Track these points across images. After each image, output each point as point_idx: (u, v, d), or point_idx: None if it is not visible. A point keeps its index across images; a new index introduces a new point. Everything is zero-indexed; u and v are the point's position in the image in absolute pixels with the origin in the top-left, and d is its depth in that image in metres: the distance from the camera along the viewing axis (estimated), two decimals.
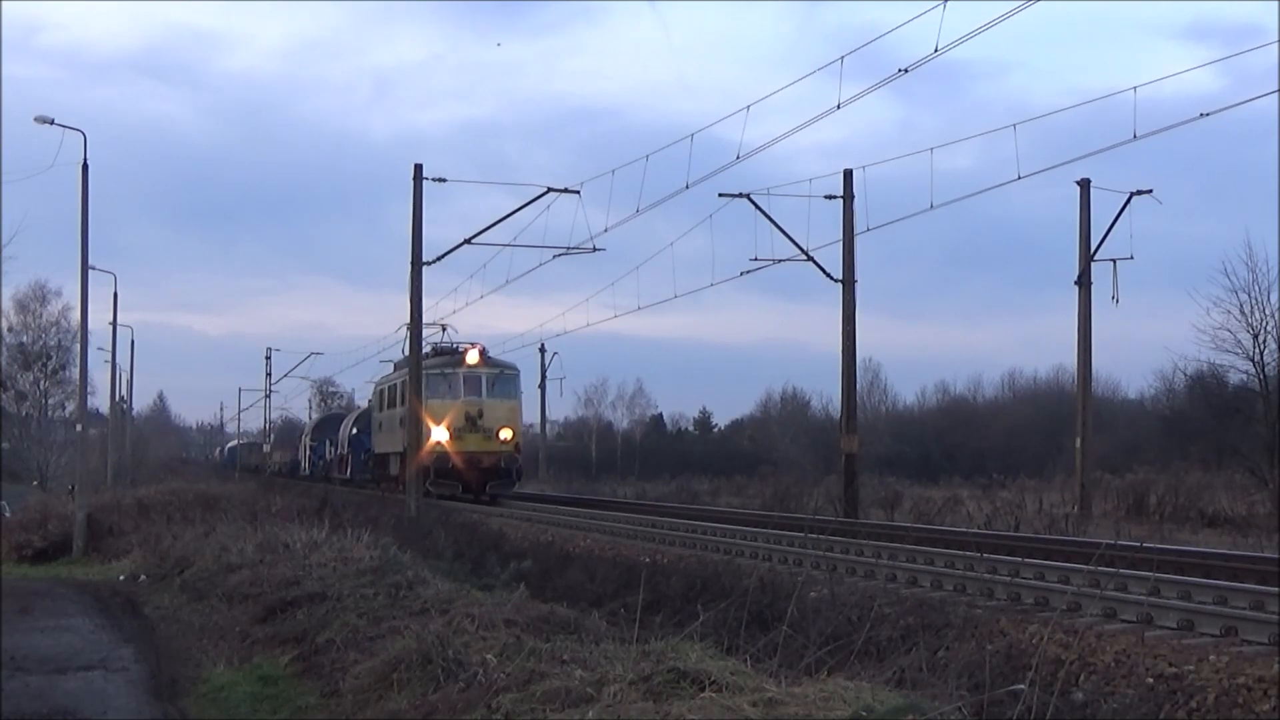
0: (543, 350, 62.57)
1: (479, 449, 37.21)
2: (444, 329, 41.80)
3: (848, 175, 30.21)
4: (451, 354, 39.45)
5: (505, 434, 37.77)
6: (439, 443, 36.42)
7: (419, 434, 33.26)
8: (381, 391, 45.67)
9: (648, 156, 26.09)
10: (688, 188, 25.50)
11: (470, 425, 37.16)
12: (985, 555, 14.72)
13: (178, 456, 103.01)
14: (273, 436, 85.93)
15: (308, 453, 71.50)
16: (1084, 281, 31.57)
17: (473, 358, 38.01)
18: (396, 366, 43.79)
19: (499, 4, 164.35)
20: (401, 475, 37.31)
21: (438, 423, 36.46)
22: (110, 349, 48.39)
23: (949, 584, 13.25)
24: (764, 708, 6.15)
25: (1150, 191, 30.98)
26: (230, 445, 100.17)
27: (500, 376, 38.64)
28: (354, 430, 56.07)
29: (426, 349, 37.50)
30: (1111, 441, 51.63)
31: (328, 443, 65.56)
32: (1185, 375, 47.40)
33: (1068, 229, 32.80)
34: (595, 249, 29.45)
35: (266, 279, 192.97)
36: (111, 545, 25.56)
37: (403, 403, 37.47)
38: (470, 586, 12.80)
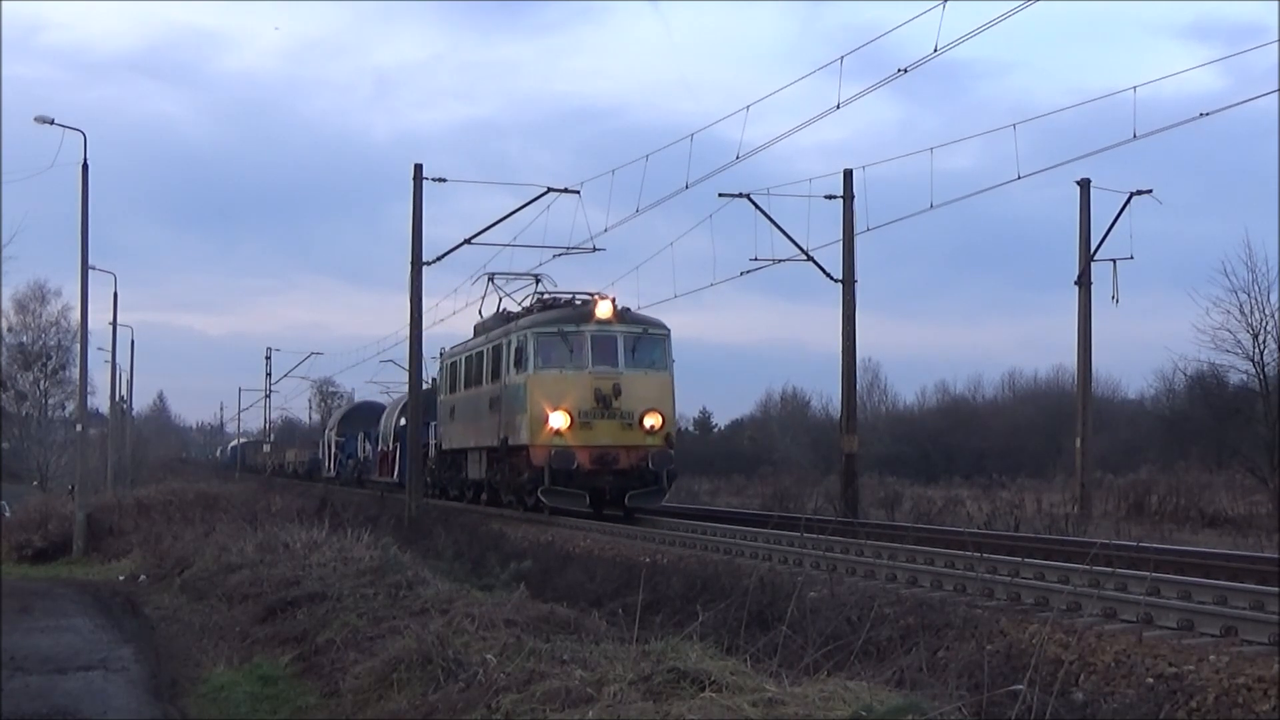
0: None
1: (615, 442, 25.64)
2: (537, 280, 30.95)
3: (848, 175, 30.20)
4: (568, 306, 27.99)
5: (653, 421, 25.81)
6: (556, 430, 25.42)
7: (417, 430, 31.96)
8: (456, 364, 33.16)
9: (648, 156, 25.94)
10: (687, 187, 25.41)
11: (602, 408, 25.64)
12: (985, 555, 14.71)
13: (178, 456, 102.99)
14: (273, 436, 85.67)
15: (332, 450, 61.87)
16: (1084, 281, 31.58)
17: (604, 310, 26.02)
18: (478, 330, 32.09)
19: (500, 4, 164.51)
20: (506, 480, 27.77)
21: (554, 406, 25.52)
22: (110, 349, 48.41)
23: (949, 584, 13.25)
24: (764, 708, 6.16)
25: (1150, 191, 30.97)
26: (233, 444, 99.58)
27: (645, 338, 26.44)
28: (402, 421, 43.98)
29: (514, 309, 30.18)
30: (1111, 441, 51.62)
31: (361, 438, 55.50)
32: (1185, 375, 47.40)
33: (1068, 229, 32.83)
34: (595, 249, 29.31)
35: (267, 279, 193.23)
36: (111, 545, 25.58)
37: (497, 376, 27.78)
38: (470, 586, 12.80)
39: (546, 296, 29.24)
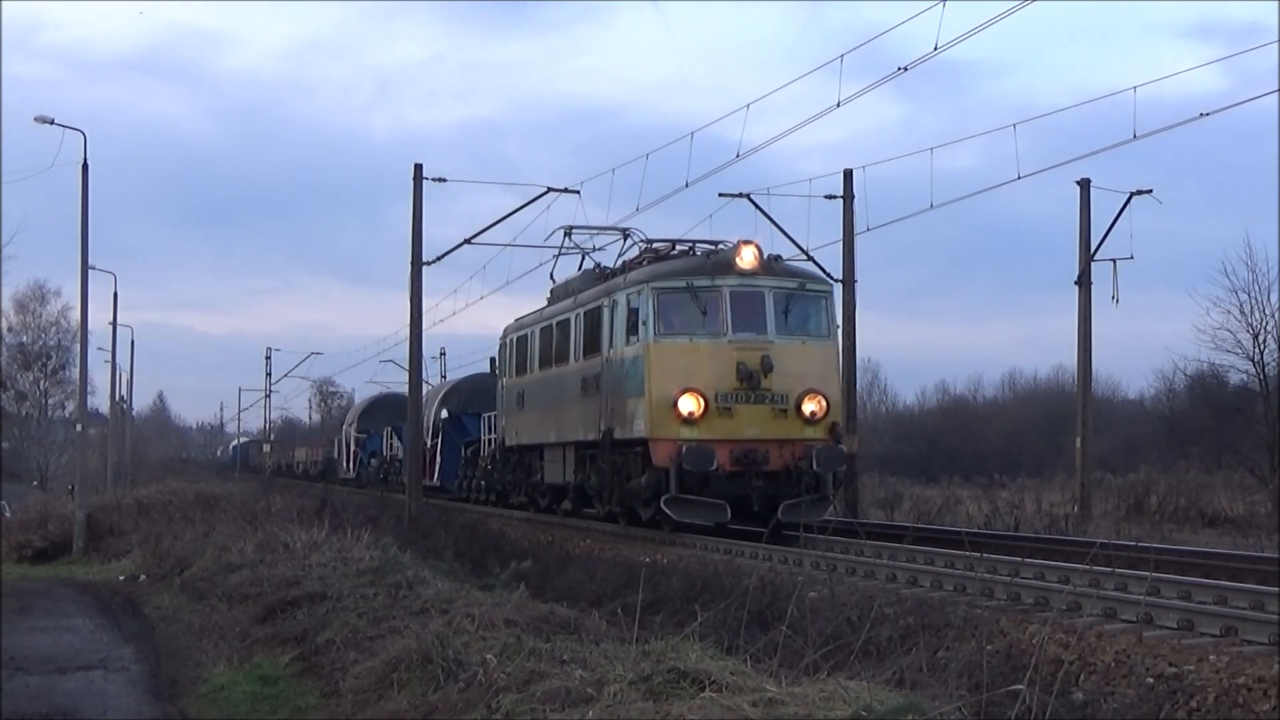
0: None
1: (764, 434, 19.46)
2: (625, 235, 25.42)
3: (848, 175, 30.15)
4: (693, 254, 22.04)
5: (814, 406, 19.59)
6: (687, 419, 19.16)
7: (417, 430, 31.43)
8: (527, 340, 26.73)
9: (648, 156, 25.80)
10: (687, 186, 25.33)
11: (748, 388, 19.38)
12: (985, 555, 14.72)
13: (178, 456, 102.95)
14: (273, 436, 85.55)
15: (350, 448, 55.40)
16: (1084, 281, 31.56)
17: (748, 257, 19.98)
18: (556, 296, 26.07)
19: (501, 3, 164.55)
20: (607, 485, 21.56)
21: (683, 386, 19.30)
22: (110, 349, 48.35)
23: (949, 584, 13.25)
24: (764, 708, 6.16)
25: (1150, 191, 30.94)
26: (234, 444, 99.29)
27: (801, 296, 20.34)
28: (444, 412, 39.01)
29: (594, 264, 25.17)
30: (1111, 441, 51.61)
31: (388, 434, 48.96)
32: (1185, 375, 47.38)
33: (1068, 229, 32.80)
34: (595, 249, 29.16)
35: (267, 279, 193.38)
36: (111, 545, 25.57)
37: (595, 349, 21.86)
38: (470, 586, 12.81)
39: (657, 244, 22.80)
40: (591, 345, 22.23)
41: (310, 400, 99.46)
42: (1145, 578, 11.75)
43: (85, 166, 27.55)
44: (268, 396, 79.71)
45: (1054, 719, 6.22)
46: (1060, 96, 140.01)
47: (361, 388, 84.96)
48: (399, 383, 52.54)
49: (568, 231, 26.23)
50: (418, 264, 29.13)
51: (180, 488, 33.19)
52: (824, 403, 19.73)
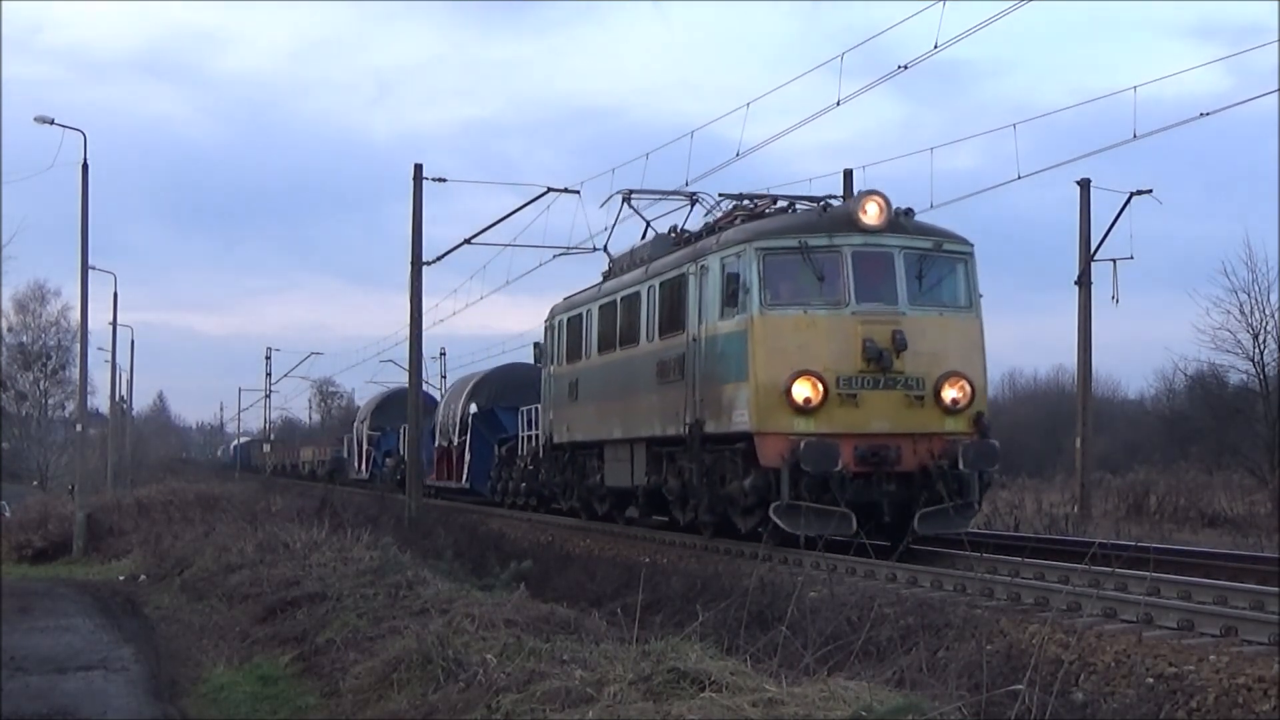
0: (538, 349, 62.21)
1: (896, 427, 16.18)
2: (693, 201, 22.20)
3: (848, 175, 30.08)
4: (797, 208, 18.75)
5: (956, 392, 16.40)
6: (802, 408, 15.85)
7: (417, 430, 31.00)
8: (581, 321, 23.22)
9: (648, 155, 25.84)
10: (687, 184, 25.24)
11: (876, 371, 16.12)
12: (985, 555, 14.70)
13: (178, 456, 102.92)
14: (272, 435, 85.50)
15: (363, 446, 51.97)
16: (1084, 281, 31.55)
17: (873, 212, 16.56)
18: (620, 268, 22.53)
19: (502, 3, 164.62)
20: (693, 490, 17.96)
21: (797, 368, 15.92)
22: (110, 349, 48.41)
23: (949, 584, 13.24)
24: (764, 708, 6.16)
25: (1150, 191, 30.92)
26: (235, 444, 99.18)
27: (938, 259, 16.98)
28: (473, 407, 34.77)
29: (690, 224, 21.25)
30: (1111, 441, 51.60)
31: (406, 431, 46.77)
32: (1185, 375, 47.37)
33: (1068, 229, 32.79)
34: (595, 249, 29.12)
35: (267, 279, 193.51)
36: (111, 545, 25.59)
37: (676, 326, 18.51)
38: (470, 586, 12.81)
39: (751, 200, 19.37)
40: (671, 322, 18.73)
41: (310, 400, 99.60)
42: (1145, 578, 11.75)
43: (85, 166, 27.61)
44: (268, 396, 79.73)
45: (1054, 719, 6.22)
46: (1060, 96, 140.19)
47: (361, 387, 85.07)
48: (399, 383, 51.59)
49: (626, 197, 22.94)
50: (418, 264, 29.12)
51: (180, 488, 33.21)
52: (967, 388, 16.41)
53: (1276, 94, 14.67)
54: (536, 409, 28.16)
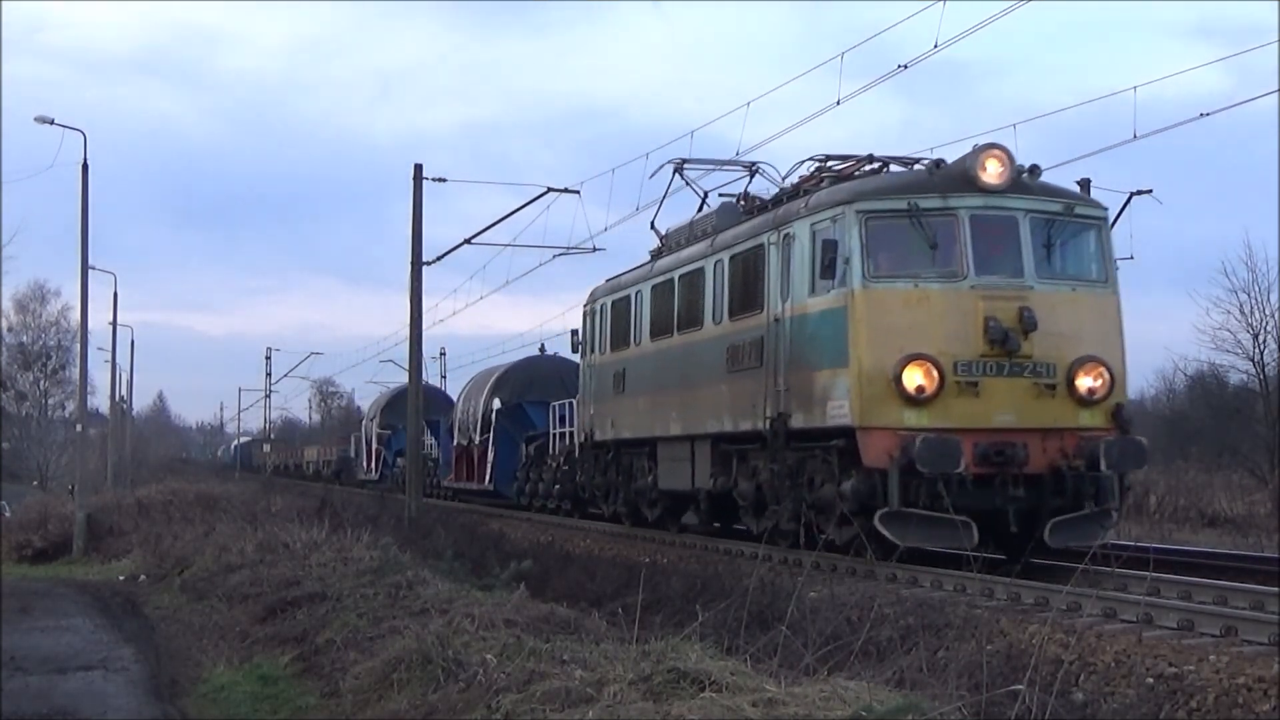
0: (542, 350, 62.41)
1: (1023, 422, 14.12)
2: (752, 171, 20.04)
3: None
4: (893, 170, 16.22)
5: (1091, 381, 14.37)
6: (914, 398, 13.85)
7: (417, 430, 30.56)
8: (630, 303, 21.11)
9: (648, 155, 25.79)
10: (687, 185, 25.33)
11: (1000, 355, 14.01)
12: (986, 555, 14.68)
13: (178, 456, 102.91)
14: (272, 435, 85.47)
15: (372, 445, 49.53)
16: None
17: (994, 170, 14.40)
18: (669, 247, 20.45)
19: (502, 3, 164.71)
20: (775, 494, 15.78)
21: (907, 352, 13.93)
22: (110, 349, 48.39)
23: (949, 584, 13.23)
24: (764, 708, 6.16)
25: (1150, 191, 30.86)
26: (235, 444, 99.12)
27: (1068, 224, 14.90)
28: (496, 402, 32.13)
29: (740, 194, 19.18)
30: None
31: (421, 429, 43.05)
32: (1185, 375, 47.38)
33: None
34: (595, 249, 29.14)
35: (267, 279, 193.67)
36: (111, 545, 25.58)
37: (751, 306, 16.45)
38: (470, 586, 12.81)
39: (838, 161, 16.70)
40: (745, 301, 16.55)
41: (310, 400, 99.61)
42: (1145, 578, 11.74)
43: (85, 166, 27.62)
44: (268, 396, 79.71)
45: (1054, 719, 6.23)
46: (1060, 96, 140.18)
47: (361, 387, 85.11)
48: (400, 383, 51.05)
49: (679, 167, 20.85)
50: (418, 264, 29.11)
51: (180, 488, 33.19)
52: (1105, 376, 14.31)
53: (1276, 94, 14.57)
54: (569, 404, 26.53)
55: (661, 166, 21.15)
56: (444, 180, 29.13)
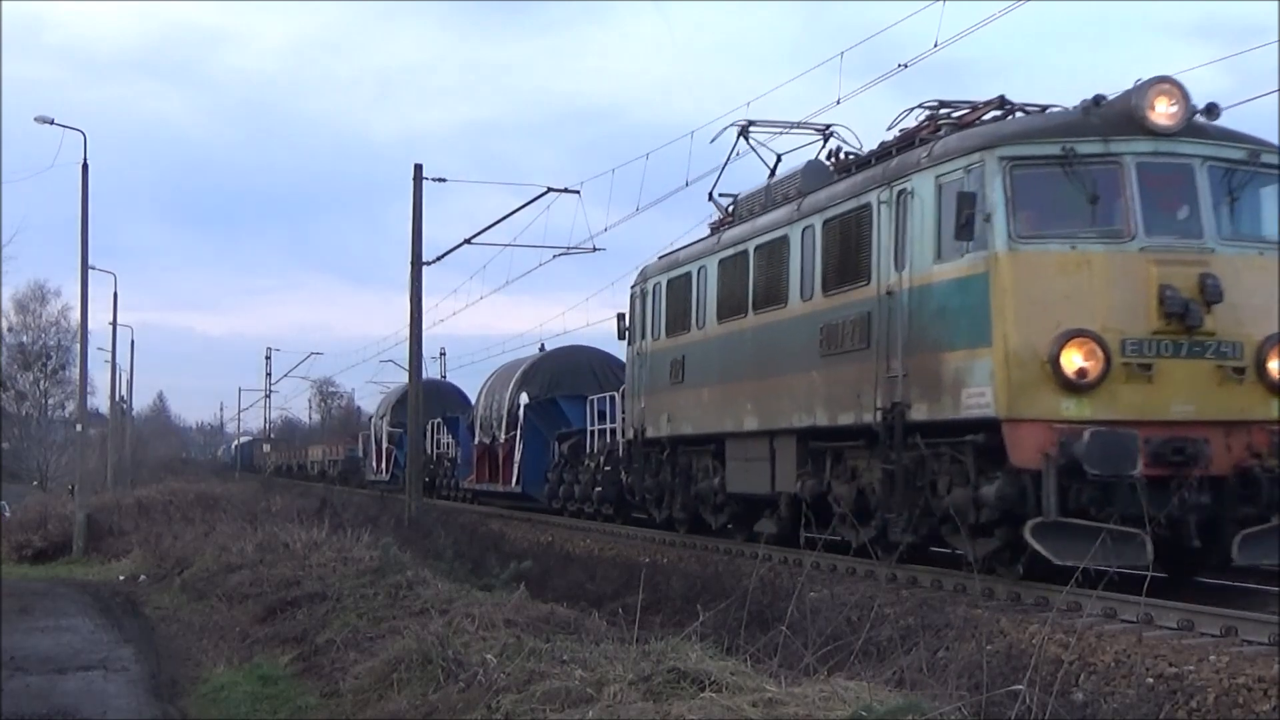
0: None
1: (1203, 413, 11.61)
2: (826, 135, 18.11)
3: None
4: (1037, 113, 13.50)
5: None
6: (1075, 383, 11.42)
7: (418, 429, 30.48)
8: (689, 282, 18.92)
9: (648, 155, 25.68)
10: (687, 185, 25.22)
11: (1180, 330, 11.50)
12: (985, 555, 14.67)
13: (178, 456, 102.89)
14: (272, 435, 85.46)
15: (382, 444, 47.61)
16: None
17: (1166, 108, 11.89)
18: (740, 216, 18.31)
19: (502, 4, 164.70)
20: (884, 502, 13.66)
21: (1062, 328, 11.52)
22: (110, 349, 48.40)
23: (949, 584, 13.23)
24: (764, 708, 6.16)
25: None
26: (235, 443, 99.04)
27: (1256, 174, 12.29)
28: (524, 396, 29.90)
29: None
30: None
31: (436, 427, 40.80)
32: None
33: None
34: (595, 249, 29.15)
35: (267, 278, 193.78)
36: (111, 545, 25.57)
37: (852, 277, 14.29)
38: (470, 586, 12.82)
39: (954, 107, 14.40)
40: (845, 271, 14.38)
41: (310, 400, 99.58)
42: (1145, 577, 11.73)
43: (85, 166, 27.63)
44: (268, 396, 79.76)
45: (1054, 719, 6.23)
46: (1060, 96, 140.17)
47: (361, 387, 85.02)
48: (400, 383, 50.57)
49: (744, 130, 19.04)
50: (418, 264, 29.12)
51: (180, 488, 33.19)
52: None
53: (1276, 94, 14.39)
54: (610, 398, 24.65)
55: (724, 130, 19.24)
56: (444, 180, 29.17)
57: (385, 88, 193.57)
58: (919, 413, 12.88)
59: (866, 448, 14.04)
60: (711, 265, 18.12)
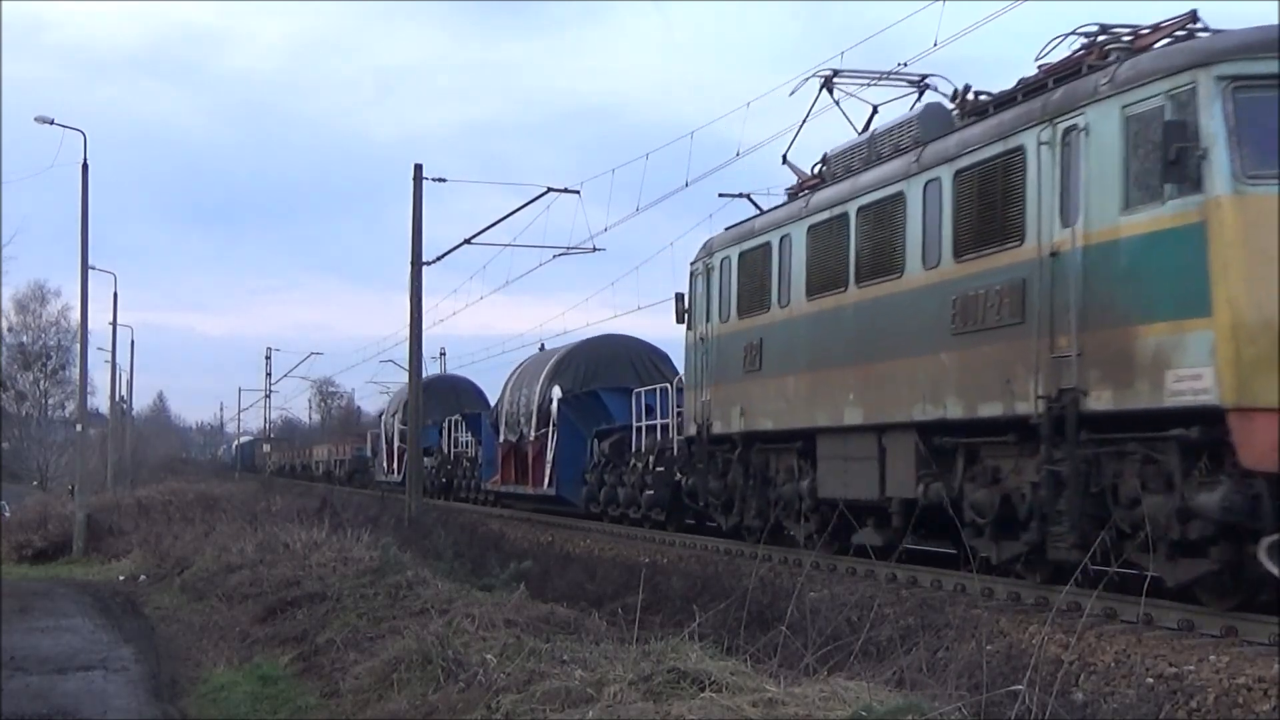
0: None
1: None
2: (921, 87, 16.54)
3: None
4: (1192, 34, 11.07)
5: None
6: None
7: (417, 428, 30.15)
8: (768, 250, 16.73)
9: (648, 155, 25.62)
10: (687, 185, 25.07)
11: None
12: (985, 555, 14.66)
13: (178, 456, 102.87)
14: (272, 434, 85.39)
15: (394, 443, 44.49)
16: None
17: None
18: (830, 175, 16.22)
19: (502, 4, 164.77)
20: (1078, 509, 10.82)
21: None
22: (110, 349, 48.42)
23: (949, 584, 13.22)
24: (764, 708, 6.16)
25: None
26: (236, 443, 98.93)
27: None
28: (556, 390, 27.25)
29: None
30: None
31: (454, 425, 39.04)
32: None
33: None
34: (595, 249, 29.13)
35: (267, 278, 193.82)
36: (111, 545, 25.60)
37: (969, 249, 12.43)
38: (470, 586, 12.82)
39: (1113, 36, 11.80)
40: (988, 230, 12.12)
41: (310, 400, 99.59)
42: (1145, 577, 11.73)
43: (85, 166, 27.68)
44: (268, 396, 79.67)
45: (1054, 719, 6.22)
46: None
47: (361, 387, 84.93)
48: (399, 383, 49.74)
49: (828, 82, 17.02)
50: (418, 264, 29.12)
51: (180, 488, 33.24)
52: None
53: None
54: (660, 390, 22.79)
55: (806, 80, 17.10)
56: (444, 180, 29.17)
57: (385, 88, 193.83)
58: (1099, 401, 10.61)
59: (1016, 444, 11.76)
60: (798, 233, 15.77)
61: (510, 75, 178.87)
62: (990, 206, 12.20)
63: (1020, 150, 11.76)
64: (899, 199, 13.67)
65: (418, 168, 28.90)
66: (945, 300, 12.64)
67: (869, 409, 14.11)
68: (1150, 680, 8.81)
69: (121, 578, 20.78)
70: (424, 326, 29.98)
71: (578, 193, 28.34)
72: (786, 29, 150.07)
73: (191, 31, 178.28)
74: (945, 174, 12.91)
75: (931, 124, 14.06)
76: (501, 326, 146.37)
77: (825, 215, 15.24)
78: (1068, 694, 8.42)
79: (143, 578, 20.18)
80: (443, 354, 62.33)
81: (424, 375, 51.47)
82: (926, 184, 13.20)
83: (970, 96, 14.08)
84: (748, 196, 29.32)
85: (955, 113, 14.19)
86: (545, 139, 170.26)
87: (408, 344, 30.37)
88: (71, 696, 9.95)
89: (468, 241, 30.15)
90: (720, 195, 27.65)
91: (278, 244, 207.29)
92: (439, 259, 30.35)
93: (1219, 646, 9.42)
